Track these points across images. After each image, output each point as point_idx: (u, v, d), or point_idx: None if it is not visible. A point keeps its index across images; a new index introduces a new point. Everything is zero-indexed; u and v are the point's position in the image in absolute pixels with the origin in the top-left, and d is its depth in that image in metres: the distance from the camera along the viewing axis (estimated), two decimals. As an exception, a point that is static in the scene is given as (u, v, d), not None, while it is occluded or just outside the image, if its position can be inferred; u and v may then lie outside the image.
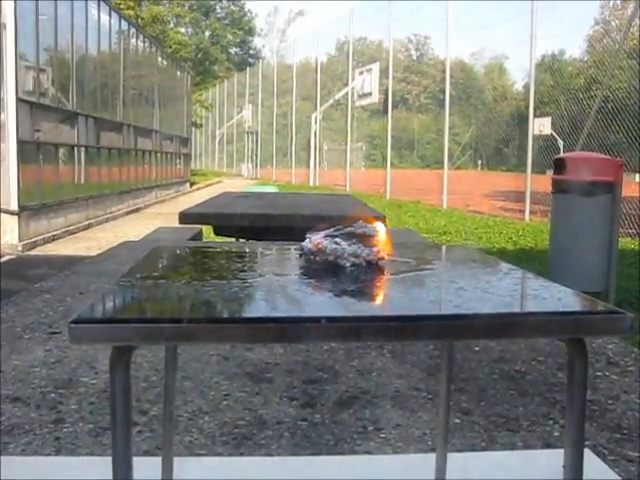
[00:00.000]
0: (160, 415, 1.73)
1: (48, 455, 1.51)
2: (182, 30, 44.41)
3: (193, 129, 33.30)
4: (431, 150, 28.94)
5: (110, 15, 13.91)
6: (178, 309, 0.90)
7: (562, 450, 0.97)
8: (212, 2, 51.21)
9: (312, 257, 1.15)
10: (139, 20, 25.65)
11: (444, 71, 15.28)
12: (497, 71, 30.09)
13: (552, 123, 13.89)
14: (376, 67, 18.97)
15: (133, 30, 16.67)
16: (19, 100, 9.22)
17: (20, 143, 9.27)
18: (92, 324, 0.79)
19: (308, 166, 25.04)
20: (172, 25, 40.39)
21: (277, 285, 1.04)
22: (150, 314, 0.86)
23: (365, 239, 1.14)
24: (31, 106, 9.76)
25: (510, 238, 9.66)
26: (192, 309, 0.89)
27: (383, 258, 1.15)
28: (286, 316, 0.85)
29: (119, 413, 0.77)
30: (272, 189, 11.95)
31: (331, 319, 0.82)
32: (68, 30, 11.37)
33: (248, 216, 5.65)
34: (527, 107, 12.33)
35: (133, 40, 16.65)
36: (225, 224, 5.90)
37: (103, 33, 13.54)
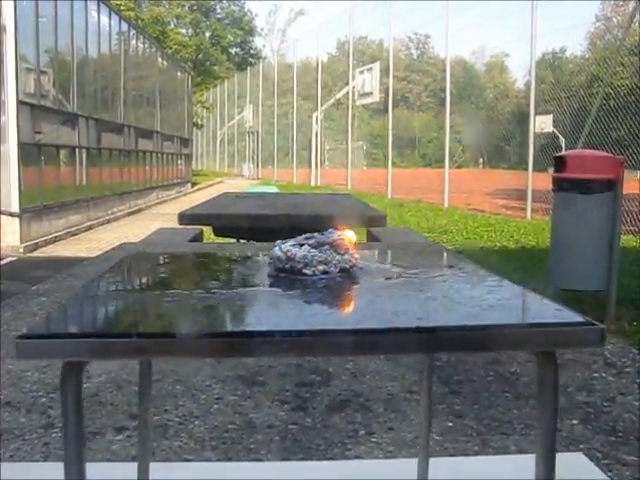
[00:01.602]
0: (150, 419, 1.71)
1: (37, 461, 1.50)
2: (182, 31, 44.44)
3: (194, 130, 33.33)
4: (432, 149, 28.94)
5: (110, 16, 13.92)
6: (130, 323, 0.88)
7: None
8: (212, 2, 51.21)
9: (282, 265, 1.13)
10: (139, 21, 25.67)
11: (445, 69, 15.25)
12: (498, 69, 30.07)
13: (554, 120, 13.85)
14: (377, 66, 18.96)
15: (133, 31, 16.68)
16: (20, 102, 9.23)
17: (21, 145, 9.28)
18: (41, 339, 0.76)
19: (309, 166, 25.03)
20: (172, 26, 40.42)
21: (238, 296, 1.01)
22: (101, 328, 0.84)
23: (337, 246, 1.12)
24: (32, 108, 9.77)
25: (512, 236, 9.63)
26: (144, 323, 0.87)
27: (354, 265, 1.14)
28: (239, 330, 0.83)
29: (70, 430, 0.75)
30: (272, 189, 11.93)
31: (285, 333, 0.81)
32: (68, 32, 11.38)
33: (247, 217, 5.64)
34: (528, 105, 12.30)
35: (133, 41, 16.66)
36: (224, 225, 5.88)
37: (103, 35, 13.55)
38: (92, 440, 1.57)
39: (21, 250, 8.97)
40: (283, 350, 0.81)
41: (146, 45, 18.19)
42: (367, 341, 0.80)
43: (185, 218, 5.47)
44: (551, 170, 5.30)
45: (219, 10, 52.57)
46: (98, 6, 12.99)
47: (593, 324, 0.82)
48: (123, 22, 15.29)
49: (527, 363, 2.12)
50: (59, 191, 10.91)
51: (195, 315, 0.88)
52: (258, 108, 32.62)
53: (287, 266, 1.12)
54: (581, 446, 1.59)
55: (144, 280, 1.12)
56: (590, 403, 1.84)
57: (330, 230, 1.16)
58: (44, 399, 1.87)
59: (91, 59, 13.08)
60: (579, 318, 0.85)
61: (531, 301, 0.95)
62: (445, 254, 1.31)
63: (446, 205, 14.63)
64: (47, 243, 9.78)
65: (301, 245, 1.12)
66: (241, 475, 1.45)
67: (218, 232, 6.36)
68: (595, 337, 0.82)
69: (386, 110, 18.32)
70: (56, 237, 10.20)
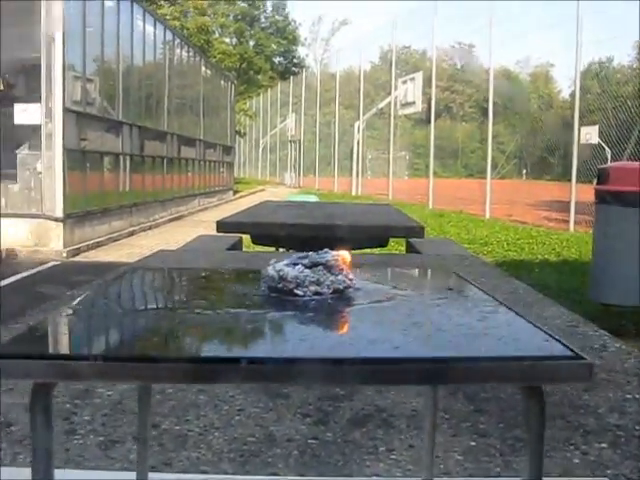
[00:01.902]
0: (171, 429, 1.71)
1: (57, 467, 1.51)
2: (227, 40, 44.94)
3: (237, 138, 33.61)
4: (475, 159, 28.63)
5: (155, 26, 14.15)
6: (97, 345, 0.87)
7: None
8: (257, 12, 51.70)
9: (274, 284, 1.11)
10: (184, 30, 26.03)
11: (488, 79, 15.11)
12: (543, 79, 29.65)
13: (600, 132, 13.58)
14: (419, 76, 18.88)
15: (178, 40, 16.92)
16: (66, 110, 9.42)
17: (66, 151, 9.47)
18: (8, 359, 0.76)
19: (351, 175, 25.02)
20: (217, 35, 40.91)
21: (218, 319, 0.99)
22: (67, 350, 0.83)
23: (331, 267, 1.10)
24: (77, 115, 9.97)
25: (553, 249, 9.48)
26: (111, 346, 0.86)
27: (349, 287, 1.11)
28: (205, 356, 0.82)
29: (40, 452, 0.74)
30: (313, 198, 11.94)
31: (252, 360, 0.79)
32: (114, 41, 11.60)
33: (285, 226, 5.62)
34: (573, 115, 12.11)
35: (178, 50, 16.91)
36: (262, 233, 5.89)
37: (148, 44, 13.77)
38: (112, 448, 1.58)
39: (64, 255, 9.13)
40: (249, 377, 0.79)
41: (190, 54, 18.43)
42: (334, 371, 0.77)
43: (223, 226, 5.49)
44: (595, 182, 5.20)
45: (263, 20, 53.09)
46: (144, 16, 13.22)
47: (582, 357, 0.78)
48: (168, 31, 15.53)
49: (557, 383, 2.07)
50: (102, 197, 11.10)
51: (165, 339, 0.86)
52: (300, 117, 32.77)
53: (279, 286, 1.10)
54: (608, 471, 1.53)
55: (125, 299, 1.10)
56: (621, 426, 1.78)
57: (325, 250, 1.14)
58: (68, 405, 1.89)
59: (136, 67, 13.31)
60: (567, 352, 0.80)
61: (521, 330, 0.91)
62: (453, 275, 1.27)
63: (487, 216, 14.46)
64: (89, 248, 9.95)
65: (295, 265, 1.11)
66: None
67: (256, 240, 6.38)
68: (584, 372, 0.77)
69: (429, 120, 18.22)
70: (98, 242, 10.36)
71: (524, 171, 21.01)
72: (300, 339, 0.89)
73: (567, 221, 12.09)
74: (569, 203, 12.06)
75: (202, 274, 1.40)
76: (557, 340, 0.83)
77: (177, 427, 1.72)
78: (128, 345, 0.86)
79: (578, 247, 9.37)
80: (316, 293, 1.07)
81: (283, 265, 1.11)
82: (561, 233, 11.32)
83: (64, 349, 0.82)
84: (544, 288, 6.79)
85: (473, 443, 1.67)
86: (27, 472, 0.80)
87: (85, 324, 0.92)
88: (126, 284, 1.24)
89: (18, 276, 7.66)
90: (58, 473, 1.23)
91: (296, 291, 1.08)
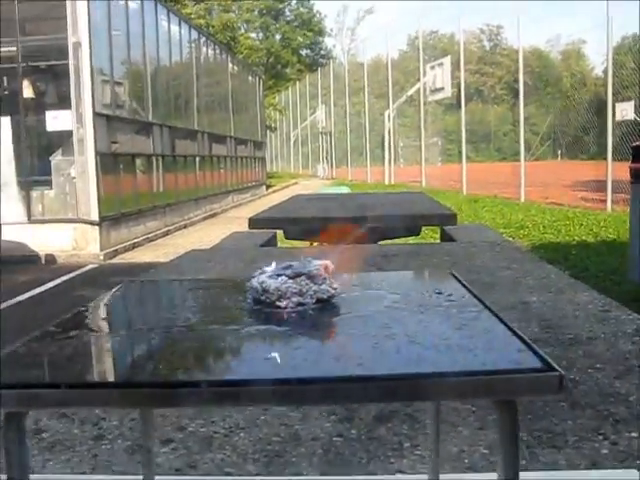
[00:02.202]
0: (197, 432, 1.73)
1: (83, 473, 1.54)
2: (252, 35, 45.02)
3: (268, 133, 33.70)
4: (508, 142, 28.24)
5: (180, 25, 14.23)
6: (62, 372, 0.87)
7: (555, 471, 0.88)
8: (281, 6, 51.65)
9: (258, 296, 1.11)
10: (210, 28, 26.14)
11: (518, 60, 14.88)
12: (575, 57, 29.05)
13: (636, 107, 13.26)
14: (447, 61, 18.68)
15: (203, 38, 17.00)
16: (96, 114, 9.55)
17: (98, 155, 9.60)
18: None
19: (383, 164, 24.91)
20: (242, 31, 40.99)
21: (189, 338, 0.97)
22: (34, 377, 0.83)
23: (314, 277, 1.09)
24: (108, 119, 10.10)
25: (591, 230, 9.32)
26: (74, 372, 0.86)
27: (333, 296, 1.11)
28: (162, 381, 0.81)
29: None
30: (344, 190, 11.92)
31: (211, 383, 0.79)
32: (140, 43, 11.71)
33: (315, 220, 5.61)
34: (607, 92, 11.85)
35: (204, 48, 16.99)
36: (294, 228, 5.90)
37: (174, 43, 13.87)
38: (138, 452, 1.60)
39: (101, 257, 9.28)
40: (208, 400, 0.79)
41: (217, 51, 18.52)
42: (292, 390, 0.76)
43: (255, 223, 5.51)
44: (631, 160, 5.09)
45: (288, 13, 53.03)
46: (168, 16, 13.30)
47: (552, 369, 0.75)
48: (193, 30, 15.61)
49: (588, 370, 2.03)
50: (136, 198, 11.24)
51: (127, 362, 0.86)
52: (330, 108, 32.71)
53: (263, 298, 1.10)
54: (638, 461, 1.50)
55: (105, 320, 1.09)
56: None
57: (308, 259, 1.13)
58: (97, 410, 1.91)
59: (164, 68, 13.41)
60: (537, 364, 0.77)
61: (497, 340, 0.88)
62: (449, 277, 1.24)
63: (522, 199, 14.27)
64: (126, 250, 10.08)
65: (278, 276, 1.10)
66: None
67: (288, 235, 6.39)
68: (553, 385, 0.74)
69: (459, 105, 18.03)
70: (134, 243, 10.50)
71: (559, 152, 20.64)
72: (264, 358, 0.88)
73: (604, 201, 11.86)
74: (606, 182, 11.83)
75: (192, 286, 1.40)
76: (531, 350, 0.81)
77: (203, 429, 1.73)
78: (85, 371, 0.86)
79: (616, 227, 9.20)
80: (299, 304, 1.07)
81: (266, 277, 1.10)
82: (598, 213, 11.11)
83: (26, 377, 0.81)
84: (582, 270, 6.69)
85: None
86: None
87: (56, 349, 0.92)
88: (109, 304, 1.24)
89: (58, 280, 7.81)
90: (64, 478, 1.24)
91: (278, 303, 1.07)
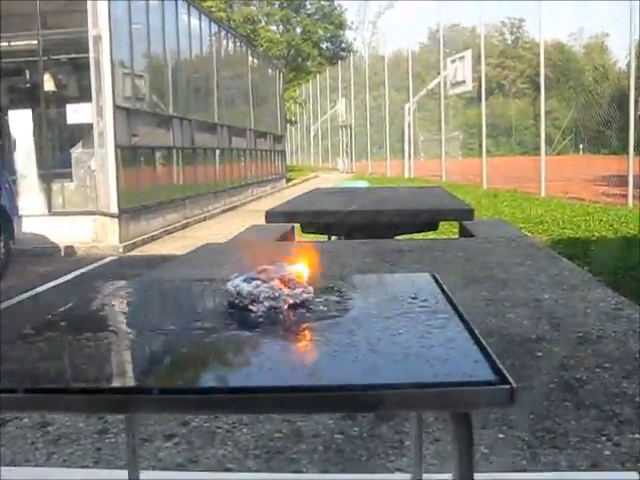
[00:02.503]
0: (200, 427, 1.74)
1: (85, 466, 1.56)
2: (273, 28, 44.93)
3: (288, 126, 33.68)
4: (529, 136, 27.96)
5: (200, 18, 14.25)
6: (24, 376, 0.87)
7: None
8: (301, -2, 51.52)
9: (233, 300, 1.11)
10: (231, 22, 26.16)
11: (540, 54, 14.72)
12: (597, 50, 28.67)
13: (659, 101, 13.05)
14: (468, 54, 18.55)
15: (224, 32, 17.02)
16: (116, 107, 9.61)
17: (118, 148, 9.66)
18: None
19: (403, 158, 24.81)
20: (263, 24, 40.95)
21: (154, 342, 0.97)
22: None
23: (287, 281, 1.09)
24: (128, 112, 10.16)
25: (611, 226, 9.22)
26: (35, 376, 0.87)
27: (306, 300, 1.10)
28: (119, 387, 0.81)
29: None
30: (363, 184, 11.90)
31: (164, 391, 0.78)
32: (161, 36, 11.75)
33: (333, 213, 5.60)
34: (630, 86, 11.70)
35: (224, 41, 17.01)
36: (311, 222, 5.89)
37: (195, 37, 13.89)
38: (141, 447, 1.61)
39: (120, 249, 9.35)
40: (163, 407, 0.79)
41: (237, 44, 18.53)
42: (243, 399, 0.76)
43: (272, 216, 5.51)
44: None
45: (309, 6, 52.84)
46: (188, 9, 13.33)
47: (505, 382, 0.74)
48: (213, 23, 15.63)
49: (595, 369, 2.01)
50: (156, 191, 11.30)
51: (90, 368, 0.86)
52: (351, 102, 32.63)
53: (237, 302, 1.10)
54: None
55: (78, 323, 1.09)
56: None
57: (280, 264, 1.12)
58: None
59: (184, 61, 13.45)
60: (490, 376, 0.76)
61: (457, 349, 0.87)
62: (431, 281, 1.22)
63: (543, 194, 14.15)
64: (145, 242, 10.15)
65: (253, 279, 1.10)
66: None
67: (306, 229, 6.39)
68: (503, 398, 0.73)
69: (480, 98, 17.89)
70: (153, 236, 10.56)
71: (580, 146, 20.40)
72: (223, 364, 0.89)
73: (625, 196, 11.72)
74: (627, 177, 11.69)
75: (175, 287, 1.40)
76: (489, 361, 0.80)
77: (206, 424, 1.74)
78: (47, 376, 0.86)
79: (637, 223, 9.08)
80: (271, 308, 1.07)
81: (240, 280, 1.11)
82: (619, 209, 10.98)
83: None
84: (601, 266, 6.62)
85: (502, 435, 1.64)
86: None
87: (24, 353, 0.92)
88: (85, 306, 1.24)
89: (77, 272, 7.88)
90: (50, 471, 1.25)
91: (251, 307, 1.08)
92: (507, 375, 0.75)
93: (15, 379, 0.84)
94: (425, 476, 1.18)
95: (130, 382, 0.88)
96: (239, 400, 0.77)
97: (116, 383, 0.85)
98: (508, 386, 0.73)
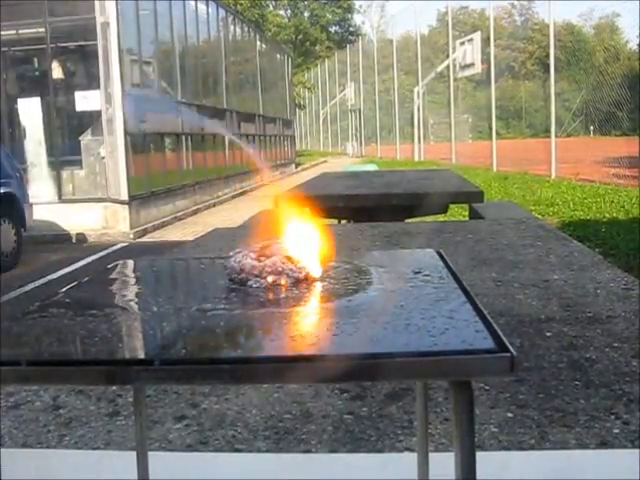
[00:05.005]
0: (210, 408, 1.75)
1: (96, 448, 1.57)
2: (281, 12, 44.68)
3: (297, 110, 33.59)
4: (539, 118, 27.77)
5: (207, 4, 14.20)
6: (25, 349, 0.88)
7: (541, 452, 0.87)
8: (310, -18, 51.15)
9: (235, 276, 1.10)
10: (238, 6, 26.03)
11: (549, 35, 14.58)
12: (608, 30, 28.38)
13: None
14: (477, 36, 18.40)
15: (231, 17, 16.95)
16: (125, 94, 9.61)
17: (128, 135, 9.67)
18: None
19: (413, 141, 24.72)
20: (271, 8, 40.73)
21: (153, 318, 0.98)
22: None
23: (291, 256, 1.08)
24: (137, 98, 10.15)
25: (622, 207, 9.16)
26: (36, 349, 0.87)
27: (307, 275, 1.09)
28: (118, 359, 0.82)
29: None
30: (371, 167, 11.87)
31: (165, 362, 0.79)
32: (168, 22, 11.72)
33: (342, 197, 5.59)
34: (640, 66, 11.59)
35: (232, 27, 16.94)
36: (320, 206, 5.87)
37: (202, 22, 13.85)
38: (152, 428, 1.62)
39: (131, 236, 9.38)
40: (163, 378, 0.80)
41: (245, 29, 18.45)
42: (241, 369, 0.77)
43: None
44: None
45: (317, -11, 52.46)
46: (195, -6, 13.29)
47: (505, 350, 0.74)
48: (221, 8, 15.56)
49: (605, 349, 2.01)
50: (165, 177, 11.31)
51: (86, 341, 0.87)
52: (359, 85, 32.48)
53: (239, 277, 1.10)
54: (646, 442, 1.49)
55: (80, 300, 1.10)
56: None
57: (285, 242, 1.12)
58: (114, 387, 1.95)
59: (192, 47, 13.42)
60: (490, 344, 0.76)
61: (458, 321, 0.86)
62: (436, 257, 1.22)
63: (553, 176, 14.07)
64: (155, 228, 10.18)
65: (256, 255, 1.10)
66: (240, 466, 1.45)
67: (315, 213, 6.38)
68: (503, 366, 0.73)
69: (490, 81, 17.77)
70: (163, 222, 10.59)
71: (591, 127, 20.25)
72: (225, 336, 0.90)
73: (636, 177, 11.63)
74: (639, 159, 11.59)
75: (178, 265, 1.40)
76: (490, 330, 0.80)
77: (216, 406, 1.75)
78: (46, 349, 0.87)
79: (648, 204, 9.02)
80: (274, 283, 1.07)
81: (242, 256, 1.11)
82: (630, 190, 10.90)
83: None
84: (611, 248, 6.59)
85: (510, 415, 1.64)
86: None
87: (25, 329, 0.93)
88: (88, 284, 1.25)
89: (89, 259, 7.92)
90: (61, 453, 1.27)
91: (250, 282, 1.08)
92: (507, 343, 0.75)
93: (19, 352, 0.86)
94: (432, 455, 1.18)
95: (131, 354, 0.89)
96: (240, 370, 0.78)
97: (117, 355, 0.86)
98: (508, 354, 0.73)
